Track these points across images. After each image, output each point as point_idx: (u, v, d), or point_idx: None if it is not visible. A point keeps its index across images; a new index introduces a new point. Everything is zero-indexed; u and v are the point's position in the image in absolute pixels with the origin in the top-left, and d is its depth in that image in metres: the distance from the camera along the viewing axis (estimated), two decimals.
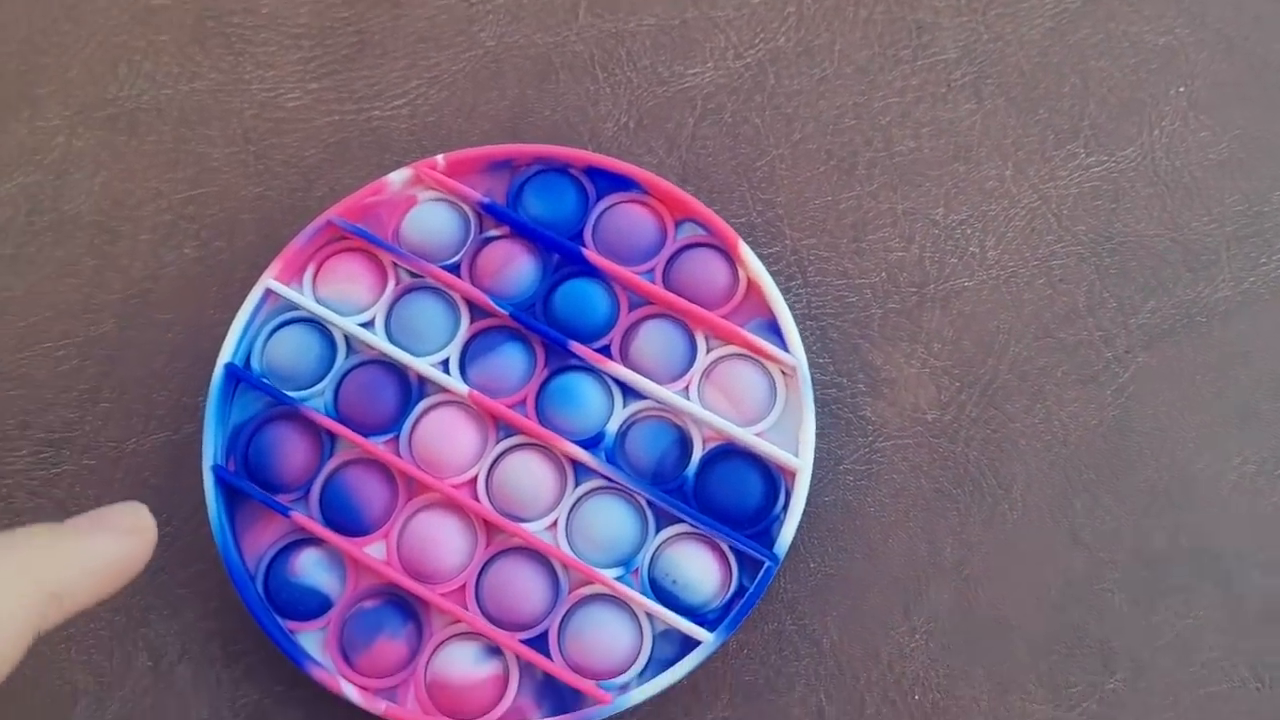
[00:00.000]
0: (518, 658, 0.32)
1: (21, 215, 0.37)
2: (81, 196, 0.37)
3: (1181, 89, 0.38)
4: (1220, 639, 0.33)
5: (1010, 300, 0.36)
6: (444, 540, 0.32)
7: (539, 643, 0.32)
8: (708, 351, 0.34)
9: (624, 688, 0.31)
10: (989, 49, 0.38)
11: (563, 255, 0.35)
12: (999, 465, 0.34)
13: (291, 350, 0.34)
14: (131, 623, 0.33)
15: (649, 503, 0.33)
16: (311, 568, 0.32)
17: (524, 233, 0.35)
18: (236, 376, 0.33)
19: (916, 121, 0.38)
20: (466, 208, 0.36)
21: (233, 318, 0.34)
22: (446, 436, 0.33)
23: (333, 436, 0.34)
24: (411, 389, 0.34)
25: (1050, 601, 0.33)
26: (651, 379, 0.33)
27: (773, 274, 0.35)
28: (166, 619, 0.34)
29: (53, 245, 0.37)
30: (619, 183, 0.36)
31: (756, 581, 0.31)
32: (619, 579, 0.32)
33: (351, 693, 0.31)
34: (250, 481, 0.33)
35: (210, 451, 0.33)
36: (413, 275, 0.35)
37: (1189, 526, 0.33)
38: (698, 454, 0.33)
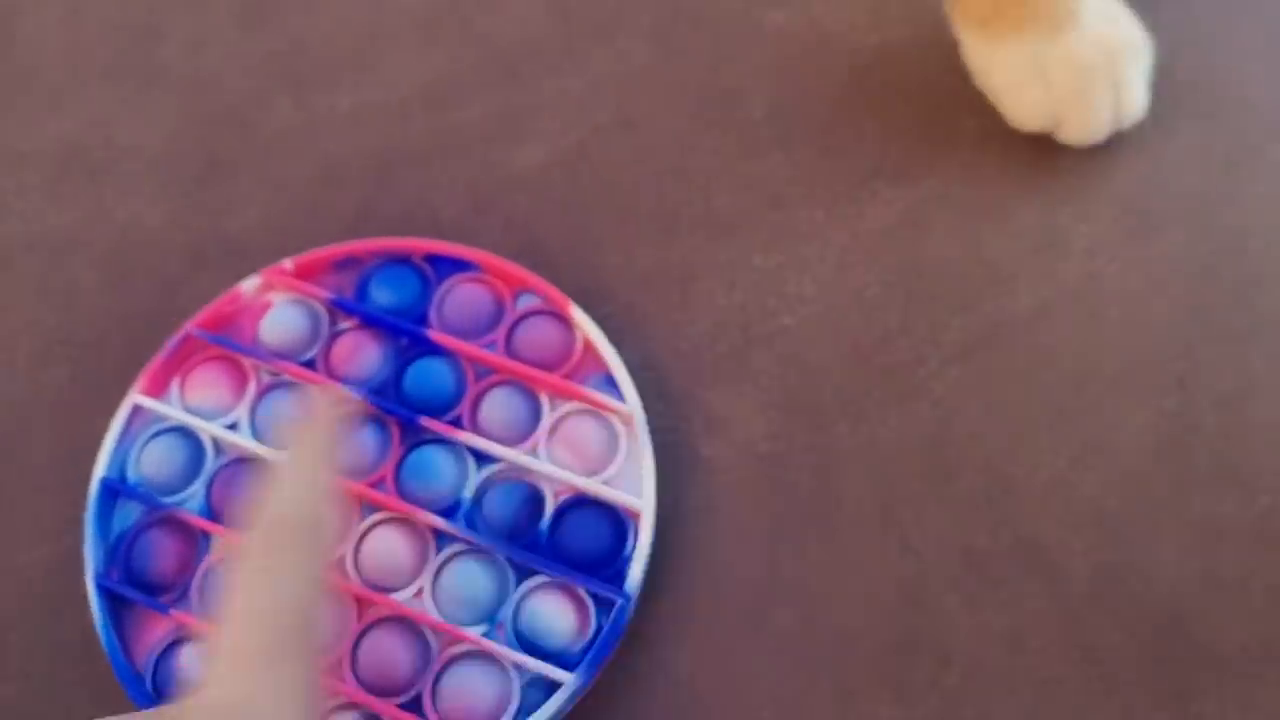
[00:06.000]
0: None
1: None
2: None
3: (973, 121, 0.41)
4: (1050, 626, 0.35)
5: (829, 332, 0.39)
6: None
7: (414, 705, 0.34)
8: (552, 410, 0.37)
9: None
10: (793, 105, 0.42)
11: (409, 338, 0.37)
12: (830, 486, 0.37)
13: (163, 457, 0.36)
14: None
15: (508, 559, 0.35)
16: (195, 661, 0.35)
17: (372, 322, 0.38)
18: (113, 490, 0.36)
19: (732, 177, 0.41)
20: (318, 305, 0.38)
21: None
22: None
23: (208, 534, 0.36)
24: None
25: (886, 608, 0.35)
26: (501, 443, 0.36)
27: (608, 331, 0.37)
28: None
29: None
30: (458, 265, 0.38)
31: (610, 620, 0.34)
32: (485, 634, 0.34)
33: None
34: (133, 585, 0.35)
35: (92, 564, 0.35)
36: (273, 374, 0.37)
37: (1010, 523, 0.36)
38: (550, 507, 0.36)
